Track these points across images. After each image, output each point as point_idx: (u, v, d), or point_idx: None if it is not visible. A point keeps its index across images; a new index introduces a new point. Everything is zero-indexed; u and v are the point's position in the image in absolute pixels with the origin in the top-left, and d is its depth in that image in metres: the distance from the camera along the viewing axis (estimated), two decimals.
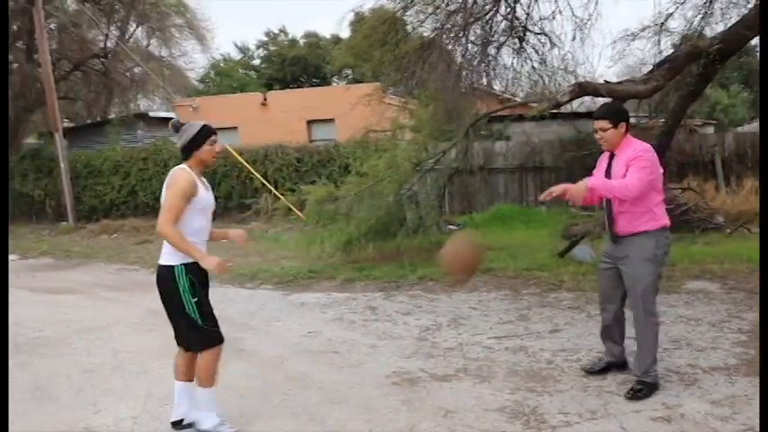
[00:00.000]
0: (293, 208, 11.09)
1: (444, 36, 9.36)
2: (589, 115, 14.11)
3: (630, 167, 4.19)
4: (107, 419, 4.38)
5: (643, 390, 4.28)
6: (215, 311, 4.01)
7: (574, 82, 8.51)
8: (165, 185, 3.89)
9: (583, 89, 8.24)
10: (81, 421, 4.39)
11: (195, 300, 3.88)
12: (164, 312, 7.11)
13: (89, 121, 23.60)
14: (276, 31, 43.09)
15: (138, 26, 23.02)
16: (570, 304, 6.88)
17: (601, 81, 8.90)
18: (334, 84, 37.92)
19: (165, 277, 3.89)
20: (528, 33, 9.29)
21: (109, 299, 8.36)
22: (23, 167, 18.03)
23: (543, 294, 7.29)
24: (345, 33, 32.74)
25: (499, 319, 6.40)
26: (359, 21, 10.79)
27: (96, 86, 22.75)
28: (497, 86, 11.23)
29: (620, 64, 10.81)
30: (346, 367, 5.22)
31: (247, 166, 14.79)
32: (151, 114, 22.04)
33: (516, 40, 9.36)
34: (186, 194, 3.80)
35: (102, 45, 21.32)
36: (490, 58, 9.42)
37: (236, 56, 43.54)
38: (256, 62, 43.62)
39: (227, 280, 8.96)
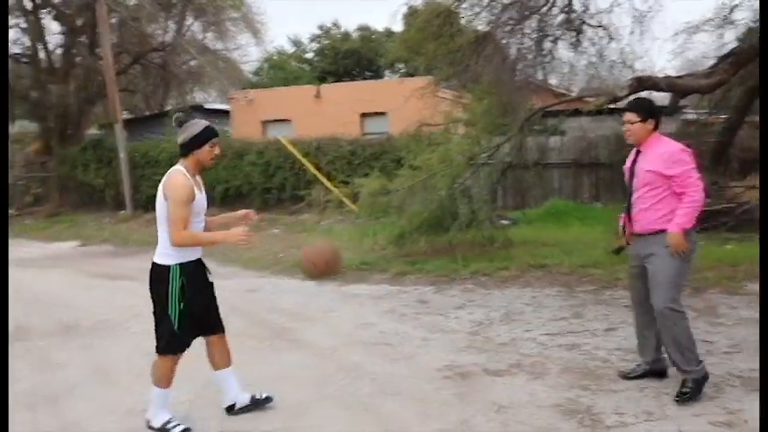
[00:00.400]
0: (346, 200, 11.15)
1: (499, 30, 9.28)
2: None
3: (678, 175, 4.07)
4: None
5: (690, 389, 4.14)
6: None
7: (632, 76, 8.34)
8: (161, 190, 3.89)
9: (641, 83, 8.06)
10: (140, 404, 4.51)
11: (181, 305, 3.94)
12: (219, 299, 7.26)
13: (147, 113, 24.17)
14: (329, 25, 43.34)
15: (194, 20, 23.45)
16: (626, 303, 6.73)
17: (660, 75, 8.71)
18: (387, 77, 37.95)
19: (159, 276, 3.96)
20: (585, 26, 9.13)
21: None
22: (85, 158, 18.54)
23: (598, 292, 7.18)
24: (398, 27, 32.74)
25: (553, 316, 6.33)
26: (412, 14, 10.76)
27: (154, 79, 23.29)
28: (553, 81, 11.08)
29: (681, 58, 10.57)
30: (399, 359, 5.24)
31: (300, 158, 14.93)
32: (207, 106, 22.42)
33: (573, 34, 9.21)
34: (187, 201, 3.82)
35: (160, 39, 21.78)
36: (546, 51, 9.30)
37: (290, 49, 43.96)
38: (309, 55, 43.95)
39: (279, 271, 9.10)
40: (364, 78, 35.13)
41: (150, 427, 4.08)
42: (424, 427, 3.98)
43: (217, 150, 4.00)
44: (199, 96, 25.15)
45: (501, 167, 9.74)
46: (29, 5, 19.43)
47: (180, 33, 22.00)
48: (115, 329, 6.47)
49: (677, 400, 4.11)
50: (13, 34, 20.08)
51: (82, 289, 8.44)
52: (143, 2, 20.09)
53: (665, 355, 4.40)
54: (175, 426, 4.02)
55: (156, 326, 4.09)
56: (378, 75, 38.85)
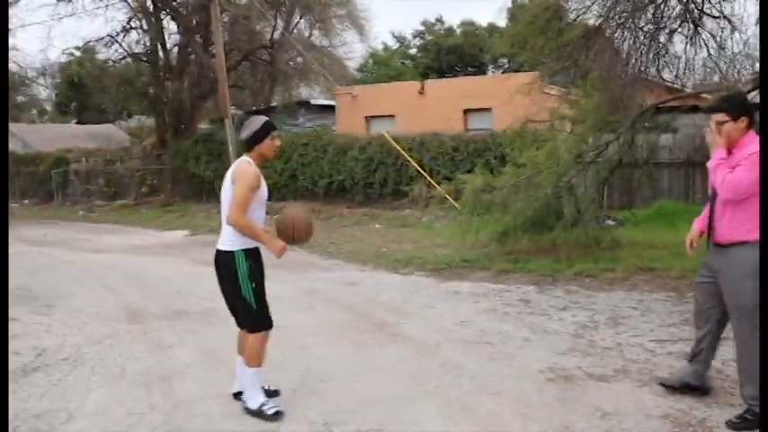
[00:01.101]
0: (448, 197, 11.11)
1: (610, 23, 8.96)
2: None
3: (740, 166, 3.74)
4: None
5: (751, 419, 3.77)
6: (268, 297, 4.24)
7: (757, 69, 7.85)
8: (229, 176, 4.07)
9: None
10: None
11: (253, 285, 4.08)
12: (320, 292, 7.42)
13: (254, 108, 24.94)
14: (433, 21, 43.35)
15: (301, 17, 24.00)
16: None
17: None
18: (491, 73, 37.54)
19: (227, 262, 4.09)
20: (704, 17, 8.66)
21: (269, 276, 8.73)
22: (197, 151, 19.35)
23: None
24: (502, 22, 32.31)
25: (662, 321, 6.06)
26: (519, 8, 10.57)
27: (262, 75, 23.98)
28: (667, 75, 10.59)
29: None
30: (500, 359, 5.16)
31: (403, 153, 14.99)
32: (312, 102, 22.95)
33: (691, 26, 8.76)
34: (254, 187, 3.98)
35: (268, 36, 22.42)
36: (660, 45, 8.90)
37: (393, 45, 44.28)
38: (413, 51, 44.11)
39: (380, 265, 9.17)
40: (467, 74, 34.88)
41: (246, 409, 4.20)
42: (525, 429, 3.90)
43: (278, 142, 4.17)
44: (304, 92, 25.74)
45: (609, 166, 9.40)
46: (150, 7, 20.47)
47: (287, 30, 22.57)
48: (221, 316, 6.65)
49: (733, 424, 3.80)
50: (135, 35, 21.27)
51: (191, 276, 8.80)
52: (253, 0, 20.75)
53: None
54: (271, 408, 4.14)
55: (234, 312, 4.27)
56: (481, 71, 38.53)
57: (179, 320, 6.59)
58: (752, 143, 3.82)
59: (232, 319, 6.45)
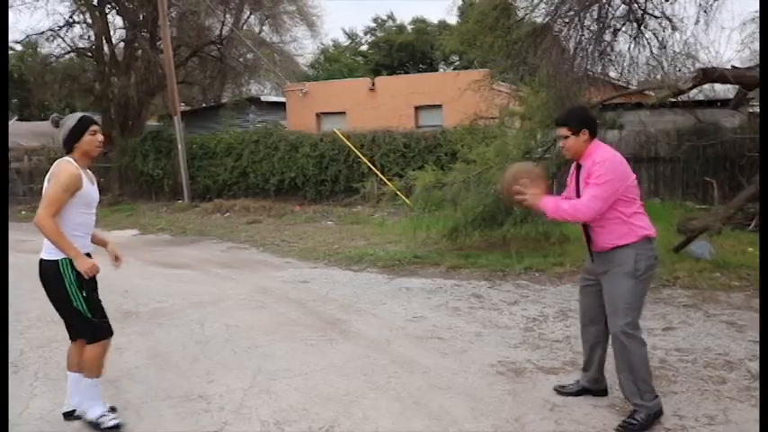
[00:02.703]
0: (399, 193, 11.14)
1: (557, 21, 9.10)
2: (711, 104, 13.40)
3: (588, 184, 3.79)
4: (219, 389, 4.56)
5: (637, 422, 3.77)
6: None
7: (698, 68, 8.08)
8: (47, 176, 3.82)
9: (707, 75, 7.80)
10: (196, 388, 4.60)
11: (84, 294, 3.83)
12: (272, 290, 7.36)
13: (204, 105, 24.61)
14: (384, 17, 43.37)
15: (251, 13, 23.77)
16: (686, 302, 6.57)
17: (727, 67, 8.41)
18: (441, 70, 37.75)
19: (49, 272, 3.83)
20: (647, 17, 8.88)
21: (220, 275, 8.70)
22: (144, 148, 18.98)
23: (656, 290, 6.98)
24: (453, 20, 32.53)
25: None
26: (469, 6, 10.64)
27: (212, 71, 23.65)
28: (612, 73, 10.81)
29: (750, 49, 10.17)
30: (451, 354, 5.20)
31: (355, 150, 14.97)
32: (262, 99, 22.70)
33: (635, 25, 8.97)
34: (69, 188, 3.73)
35: (217, 32, 22.13)
36: (605, 43, 9.08)
37: (345, 42, 44.16)
38: (364, 48, 44.06)
39: (333, 262, 9.15)
40: (418, 71, 35.03)
41: (85, 421, 4.01)
42: (476, 423, 3.94)
43: (99, 137, 3.93)
44: (255, 89, 25.50)
45: (557, 162, 9.56)
46: (94, 0, 19.98)
47: (237, 26, 22.31)
48: (172, 317, 6.60)
49: (619, 430, 3.77)
50: (78, 30, 20.73)
51: (140, 276, 8.63)
52: None
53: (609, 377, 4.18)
54: (111, 419, 3.98)
55: (68, 325, 3.99)
56: (432, 68, 38.72)
57: (127, 322, 6.45)
58: (595, 152, 3.86)
59: (180, 319, 6.42)
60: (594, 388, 4.25)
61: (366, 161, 14.80)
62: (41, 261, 3.87)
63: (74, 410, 4.12)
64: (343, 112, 18.74)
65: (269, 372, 4.87)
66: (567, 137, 3.92)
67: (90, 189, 3.88)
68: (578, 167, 3.98)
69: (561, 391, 4.33)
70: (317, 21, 25.96)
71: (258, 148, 16.70)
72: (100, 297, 4.00)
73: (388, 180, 13.59)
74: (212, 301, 7.18)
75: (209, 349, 5.48)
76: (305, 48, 38.20)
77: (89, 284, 3.87)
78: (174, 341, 5.77)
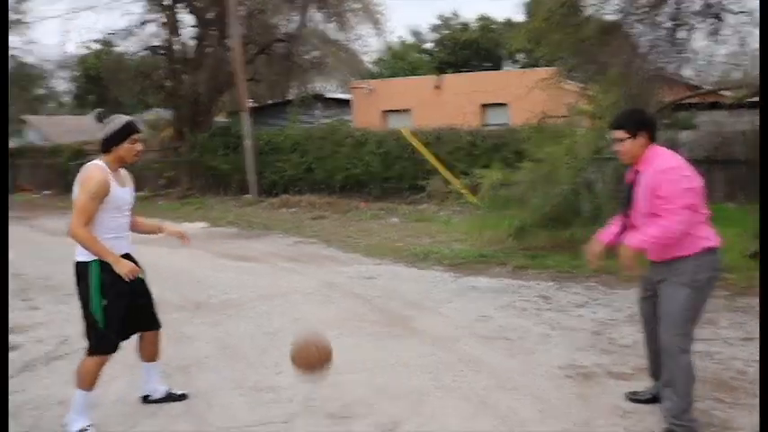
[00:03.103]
0: (465, 191, 11.09)
1: (629, 18, 8.90)
2: None
3: (659, 197, 3.55)
4: (287, 381, 4.62)
5: None
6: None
7: None
8: (76, 181, 3.79)
9: None
10: (265, 380, 4.70)
11: (104, 302, 3.78)
12: (338, 285, 7.44)
13: (270, 102, 25.00)
14: (449, 15, 43.21)
15: (317, 11, 24.00)
16: None
17: None
18: (507, 68, 37.38)
19: (81, 273, 3.82)
20: (726, 13, 8.57)
21: (287, 269, 8.83)
22: (213, 143, 19.40)
23: (732, 298, 6.75)
24: (519, 17, 32.17)
25: None
26: (536, 3, 10.50)
27: (278, 69, 23.98)
28: (687, 72, 10.49)
29: None
30: (518, 354, 5.15)
31: (420, 148, 14.97)
32: (328, 95, 22.94)
33: (712, 21, 8.68)
34: (97, 195, 3.71)
35: (284, 29, 22.43)
36: (680, 41, 8.83)
37: (410, 39, 44.19)
38: (428, 45, 44.00)
39: (398, 259, 9.17)
40: (483, 69, 34.74)
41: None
42: (544, 426, 3.90)
43: (139, 147, 3.89)
44: (320, 86, 25.75)
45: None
46: (167, 0, 20.55)
47: (303, 24, 22.57)
48: (240, 308, 6.74)
49: None
50: (152, 28, 21.37)
51: (209, 268, 8.85)
52: None
53: None
54: None
55: (87, 326, 3.91)
56: (497, 66, 38.37)
57: (198, 312, 6.63)
58: (656, 158, 3.67)
59: (249, 311, 6.55)
60: None
61: (431, 159, 14.77)
62: (76, 263, 3.84)
63: (148, 395, 4.29)
64: (409, 110, 18.77)
65: (336, 366, 4.87)
66: (622, 140, 3.74)
67: (118, 193, 3.84)
68: (635, 174, 3.80)
69: (633, 398, 4.21)
70: (382, 18, 26.00)
71: (324, 145, 16.87)
72: (152, 294, 4.15)
73: (454, 178, 13.53)
74: (280, 294, 7.30)
75: (277, 341, 5.58)
76: (370, 45, 38.28)
77: (116, 291, 3.80)
78: (242, 332, 5.90)
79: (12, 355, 5.31)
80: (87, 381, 3.86)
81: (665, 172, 3.58)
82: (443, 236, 10.79)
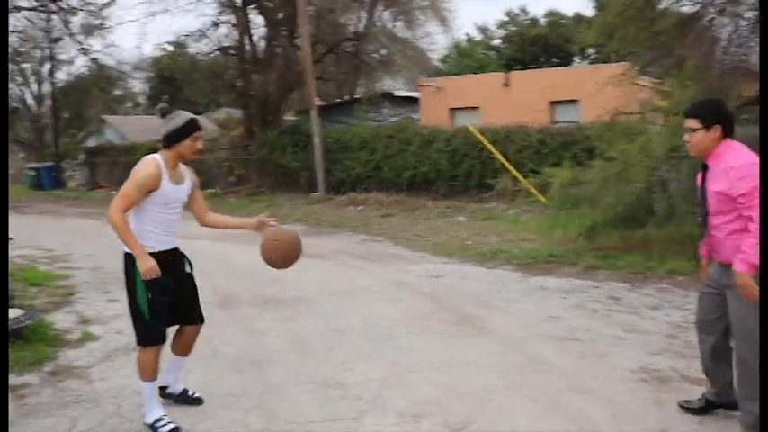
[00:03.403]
0: (533, 190, 10.94)
1: (708, 10, 8.60)
2: None
3: (748, 192, 3.30)
4: (356, 378, 4.67)
5: None
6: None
7: None
8: (133, 170, 3.79)
9: None
10: (334, 376, 4.74)
11: (149, 294, 3.76)
12: (406, 283, 7.45)
13: (338, 100, 25.24)
14: (517, 11, 42.66)
15: (385, 9, 24.09)
16: None
17: None
18: (576, 64, 36.68)
19: (127, 264, 3.81)
20: None
21: (355, 266, 8.90)
22: (282, 142, 19.72)
23: None
24: (589, 11, 31.48)
25: None
26: None
27: (346, 67, 24.22)
28: None
29: None
30: (589, 356, 5.05)
31: (488, 146, 14.85)
32: (396, 94, 23.01)
33: None
34: (143, 187, 3.69)
35: (353, 28, 22.61)
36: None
37: (477, 36, 43.85)
38: (496, 42, 43.55)
39: (466, 258, 9.13)
40: (552, 65, 34.18)
41: (144, 423, 3.94)
42: (617, 430, 3.81)
43: (200, 144, 3.86)
44: (388, 84, 25.85)
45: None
46: (238, 2, 21.00)
47: (371, 23, 22.69)
48: (309, 305, 6.83)
49: None
50: (223, 30, 21.91)
51: None
52: None
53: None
54: (166, 424, 3.87)
55: (132, 318, 3.89)
56: (566, 61, 37.67)
57: (268, 307, 6.76)
58: (728, 153, 3.46)
59: (318, 308, 6.64)
60: (723, 401, 3.90)
61: (500, 157, 14.63)
62: (124, 254, 3.83)
63: (166, 387, 4.27)
64: (477, 108, 18.63)
65: (404, 364, 4.94)
66: (695, 130, 3.53)
67: (169, 189, 3.81)
68: (704, 169, 3.62)
69: (686, 407, 4.00)
70: (450, 16, 25.91)
71: (392, 143, 16.93)
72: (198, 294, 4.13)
73: (523, 176, 13.36)
74: (348, 291, 7.37)
75: (346, 338, 5.63)
76: (437, 43, 38.22)
77: (160, 283, 3.78)
78: (312, 329, 5.98)
79: (93, 346, 5.54)
80: (148, 372, 3.88)
81: (740, 169, 3.36)
82: (511, 235, 10.67)
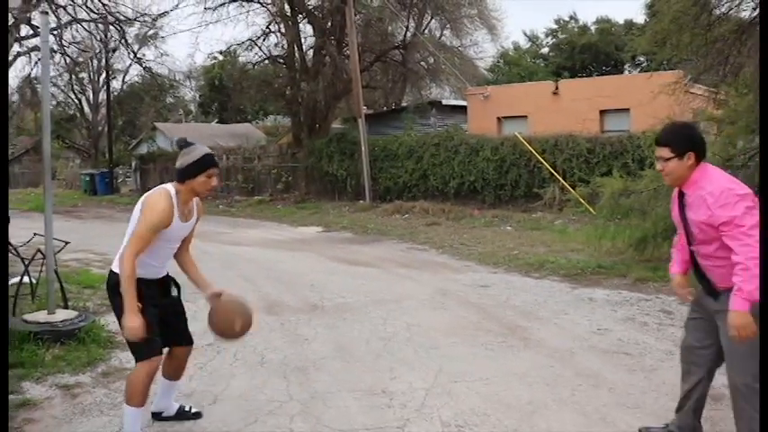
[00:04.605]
0: (582, 200, 10.79)
1: None
2: None
3: (734, 219, 3.12)
4: (402, 386, 4.65)
5: None
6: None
7: None
8: (140, 202, 3.66)
9: None
10: (379, 384, 4.73)
11: (139, 305, 3.54)
12: (452, 293, 7.40)
13: (386, 108, 25.34)
14: (566, 18, 42.25)
15: (432, 18, 24.13)
16: None
17: None
18: (627, 72, 36.10)
19: (115, 284, 3.61)
20: None
21: (400, 275, 8.90)
22: (330, 149, 19.89)
23: None
24: (641, 19, 30.97)
25: None
26: (663, 3, 10.06)
27: (394, 76, 24.34)
28: None
29: None
30: (639, 371, 4.94)
31: (536, 154, 14.71)
32: (443, 102, 22.99)
33: None
34: (156, 227, 3.56)
35: (400, 37, 22.70)
36: None
37: (525, 44, 43.57)
38: (545, 50, 43.19)
39: (512, 268, 9.04)
40: (601, 73, 33.74)
41: None
42: None
43: (214, 182, 3.71)
44: (435, 92, 25.86)
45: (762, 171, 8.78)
46: (288, 11, 21.30)
47: (419, 31, 22.75)
48: (355, 312, 6.85)
49: None
50: (273, 39, 22.25)
51: (325, 272, 9.06)
52: (386, 2, 21.10)
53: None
54: None
55: (127, 340, 3.69)
56: (617, 69, 37.14)
57: (314, 314, 6.80)
58: (704, 178, 3.29)
59: (363, 315, 6.64)
60: None
61: (548, 166, 14.47)
62: (110, 272, 3.73)
63: (161, 412, 4.11)
64: (525, 116, 18.47)
65: (450, 373, 4.91)
66: (668, 159, 3.33)
67: (177, 227, 3.70)
68: (680, 196, 3.46)
69: None
70: (498, 24, 25.86)
71: (438, 152, 16.91)
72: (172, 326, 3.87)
73: (571, 186, 13.19)
74: (393, 299, 7.37)
75: (392, 346, 5.63)
76: (485, 51, 38.06)
77: (149, 300, 3.64)
78: (357, 336, 5.98)
79: None
80: (136, 395, 3.65)
81: (719, 197, 3.19)
82: (559, 245, 10.53)
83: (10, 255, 6.93)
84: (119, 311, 3.63)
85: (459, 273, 8.90)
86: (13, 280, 6.95)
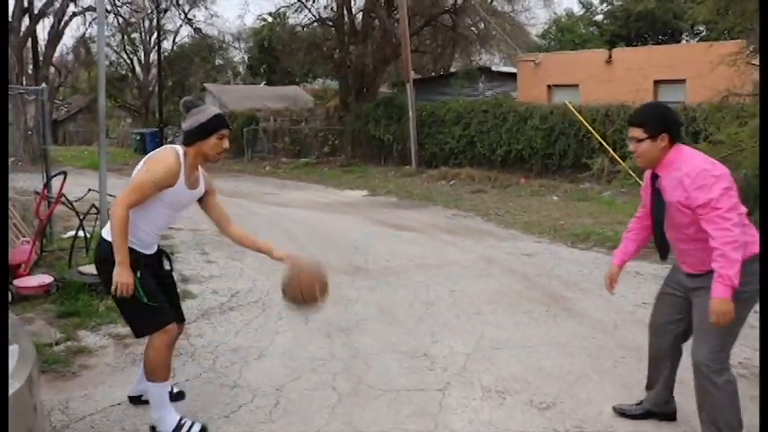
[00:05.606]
0: (632, 173, 10.56)
1: None
2: None
3: (710, 201, 3.01)
4: (443, 351, 4.70)
5: None
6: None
7: None
8: (145, 158, 3.41)
9: None
10: (421, 347, 4.79)
11: (138, 273, 3.29)
12: (496, 260, 7.37)
13: (434, 74, 25.09)
14: None
15: None
16: None
17: None
18: (684, 41, 34.97)
19: (107, 251, 3.30)
20: None
21: (445, 241, 8.91)
22: (377, 114, 19.84)
23: None
24: None
25: None
26: None
27: (443, 41, 24.05)
28: None
29: None
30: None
31: (586, 124, 14.43)
32: (493, 68, 22.65)
33: None
34: (160, 183, 3.25)
35: (451, 1, 22.36)
36: None
37: (579, 11, 42.41)
38: (599, 18, 42.02)
39: (557, 238, 8.96)
40: (657, 42, 32.70)
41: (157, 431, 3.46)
42: None
43: (225, 144, 3.42)
44: (485, 58, 25.49)
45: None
46: None
47: None
48: (398, 275, 6.90)
49: None
50: (323, 1, 22.16)
51: (369, 235, 9.12)
52: None
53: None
54: (192, 425, 3.41)
55: (124, 314, 3.48)
56: (673, 39, 35.95)
57: (358, 276, 6.87)
58: (680, 159, 3.17)
59: (407, 279, 6.69)
60: (660, 411, 3.73)
61: (598, 136, 14.20)
62: (101, 238, 3.47)
63: (141, 395, 3.76)
64: (576, 85, 18.09)
65: (491, 340, 4.93)
66: (641, 140, 3.22)
67: (182, 191, 3.39)
68: (653, 178, 3.33)
69: (621, 413, 3.79)
70: None
71: (486, 119, 16.72)
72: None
73: (621, 158, 12.93)
74: (437, 264, 7.39)
75: (434, 311, 5.67)
76: (537, 17, 37.33)
77: (146, 267, 3.40)
78: (400, 299, 6.04)
79: (192, 303, 5.79)
80: (159, 370, 3.38)
81: (696, 178, 3.08)
82: (606, 217, 10.37)
83: (66, 209, 7.18)
84: (105, 276, 3.35)
85: (504, 241, 8.87)
86: (69, 233, 7.18)
